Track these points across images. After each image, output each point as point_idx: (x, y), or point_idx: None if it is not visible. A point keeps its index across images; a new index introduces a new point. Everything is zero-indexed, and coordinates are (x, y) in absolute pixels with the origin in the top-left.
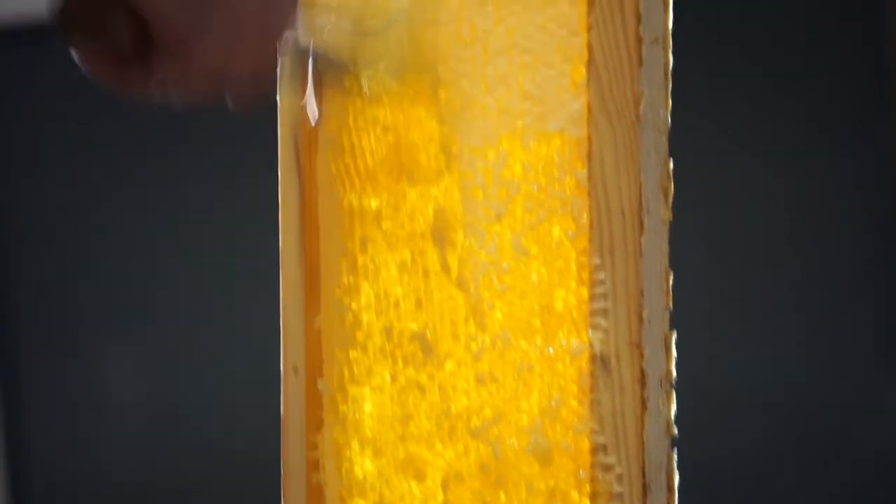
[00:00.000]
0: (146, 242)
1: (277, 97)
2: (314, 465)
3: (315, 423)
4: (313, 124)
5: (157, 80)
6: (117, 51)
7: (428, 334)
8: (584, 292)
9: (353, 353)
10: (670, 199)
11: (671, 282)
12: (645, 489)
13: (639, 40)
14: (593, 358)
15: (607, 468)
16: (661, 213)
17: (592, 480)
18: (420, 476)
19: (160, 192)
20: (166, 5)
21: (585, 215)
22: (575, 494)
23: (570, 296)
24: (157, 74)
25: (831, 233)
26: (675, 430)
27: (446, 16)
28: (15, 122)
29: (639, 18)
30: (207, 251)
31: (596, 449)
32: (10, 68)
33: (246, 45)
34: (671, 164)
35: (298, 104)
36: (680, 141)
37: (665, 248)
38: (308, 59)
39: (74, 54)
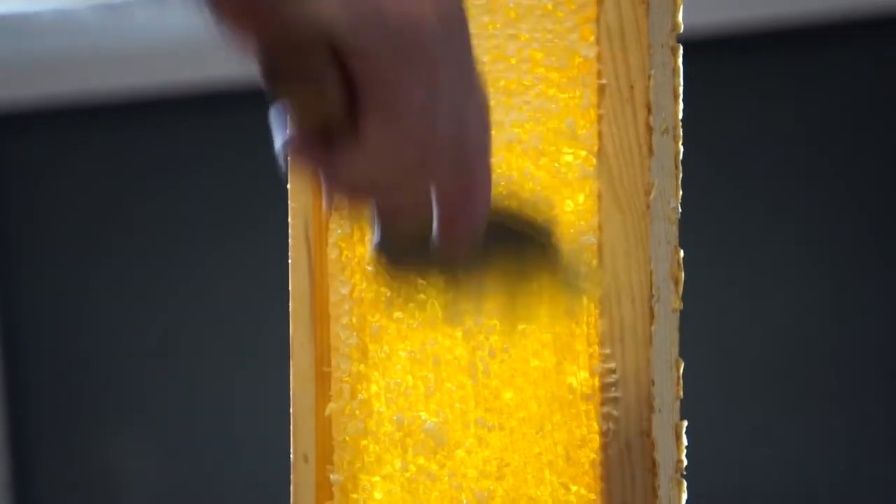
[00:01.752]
0: (156, 322)
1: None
2: None
3: None
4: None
5: (368, 149)
6: (327, 110)
7: (439, 423)
8: (595, 381)
9: (363, 442)
10: (680, 289)
11: (682, 371)
12: None
13: (649, 130)
14: (604, 447)
15: None
16: (671, 303)
17: None
18: None
19: (173, 270)
20: (368, 45)
21: (596, 305)
22: None
23: (581, 384)
24: (370, 140)
25: (849, 332)
26: None
27: None
28: (19, 200)
29: (649, 109)
30: (218, 336)
31: None
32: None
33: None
34: (681, 254)
35: (307, 191)
36: (691, 229)
37: (675, 337)
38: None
39: (277, 127)
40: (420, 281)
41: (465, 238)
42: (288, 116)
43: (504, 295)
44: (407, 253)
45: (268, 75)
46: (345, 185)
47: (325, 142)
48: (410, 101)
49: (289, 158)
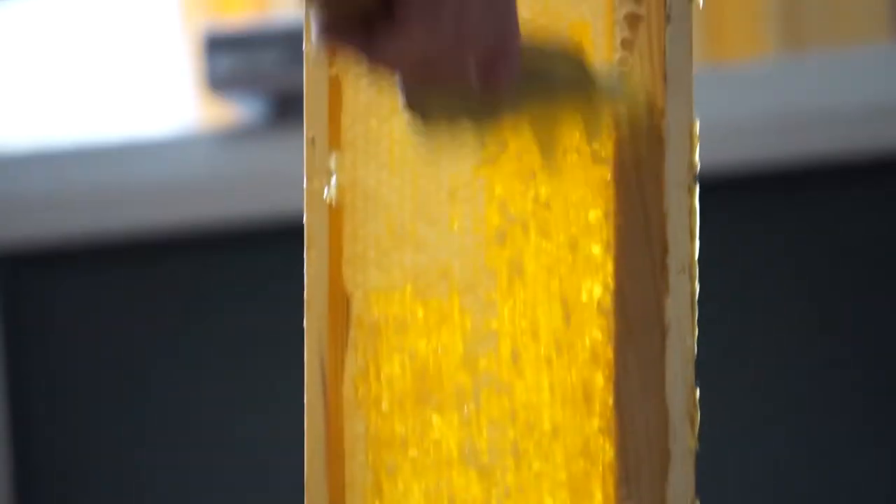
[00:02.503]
0: (170, 461)
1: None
2: None
3: None
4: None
5: (406, 40)
6: (363, 9)
7: None
8: None
9: None
10: (696, 428)
11: None
12: None
13: (666, 269)
14: None
15: None
16: (687, 442)
17: None
18: None
19: (188, 409)
20: None
21: (611, 443)
22: None
23: None
24: (407, 33)
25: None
26: None
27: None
28: (35, 345)
29: (666, 248)
30: (234, 475)
31: None
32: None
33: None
34: (697, 393)
35: (323, 328)
36: (707, 369)
37: (692, 476)
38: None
39: (315, 17)
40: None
41: (502, 86)
42: (324, 7)
43: (542, 124)
44: (441, 108)
45: None
46: (385, 64)
47: (362, 27)
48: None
49: (327, 44)
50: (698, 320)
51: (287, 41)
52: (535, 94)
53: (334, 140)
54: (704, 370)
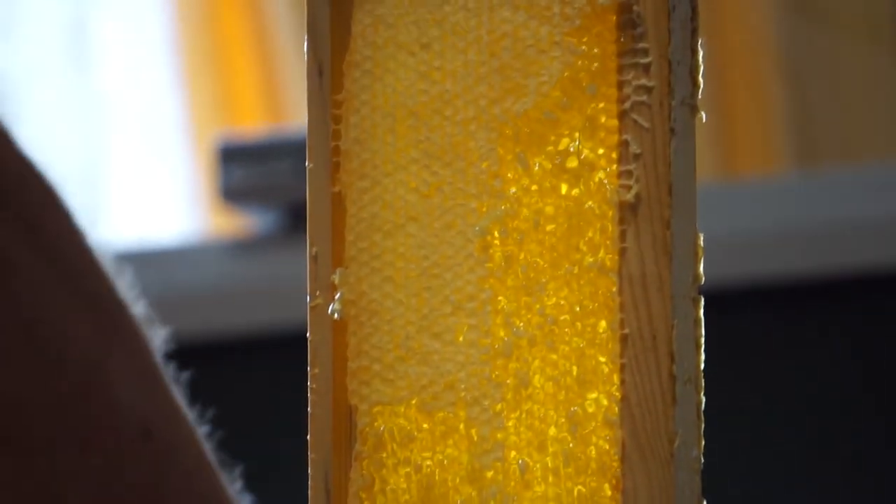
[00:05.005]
0: None
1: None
2: None
3: None
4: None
5: None
6: None
7: None
8: None
9: None
10: None
11: None
12: None
13: (672, 380)
14: None
15: None
16: None
17: None
18: None
19: None
20: None
21: None
22: None
23: None
24: None
25: None
26: None
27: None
28: None
29: (672, 358)
30: None
31: None
32: None
33: None
34: (705, 503)
35: (328, 442)
36: (713, 478)
37: None
38: None
39: None
40: None
41: None
42: None
43: None
44: None
45: None
46: None
47: None
48: None
49: None
50: (704, 431)
51: (301, 152)
52: None
53: (338, 256)
54: (710, 479)
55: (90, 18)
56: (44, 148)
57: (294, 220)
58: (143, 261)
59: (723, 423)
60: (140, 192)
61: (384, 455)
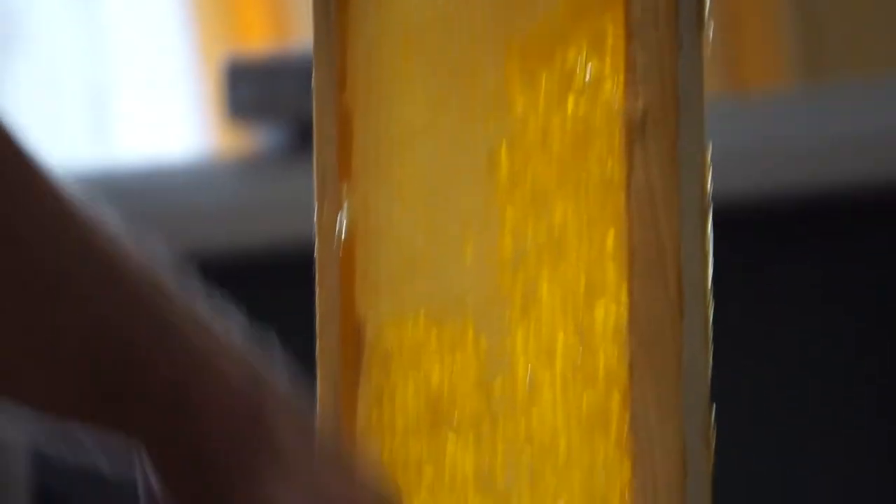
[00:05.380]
0: None
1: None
2: None
3: None
4: None
5: None
6: None
7: None
8: None
9: None
10: (712, 450)
11: None
12: None
13: (680, 293)
14: None
15: None
16: (703, 464)
17: None
18: None
19: None
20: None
21: (628, 464)
22: None
23: None
24: None
25: None
26: None
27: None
28: None
29: (680, 272)
30: None
31: None
32: None
33: None
34: (713, 417)
35: (336, 357)
36: (721, 391)
37: (708, 499)
38: None
39: None
40: None
41: None
42: None
43: None
44: None
45: None
46: None
47: None
48: None
49: None
50: (712, 343)
51: (308, 70)
52: None
53: (344, 170)
54: (719, 392)
55: None
56: (53, 68)
57: (301, 137)
58: (152, 180)
59: (729, 335)
60: (148, 111)
61: (392, 368)
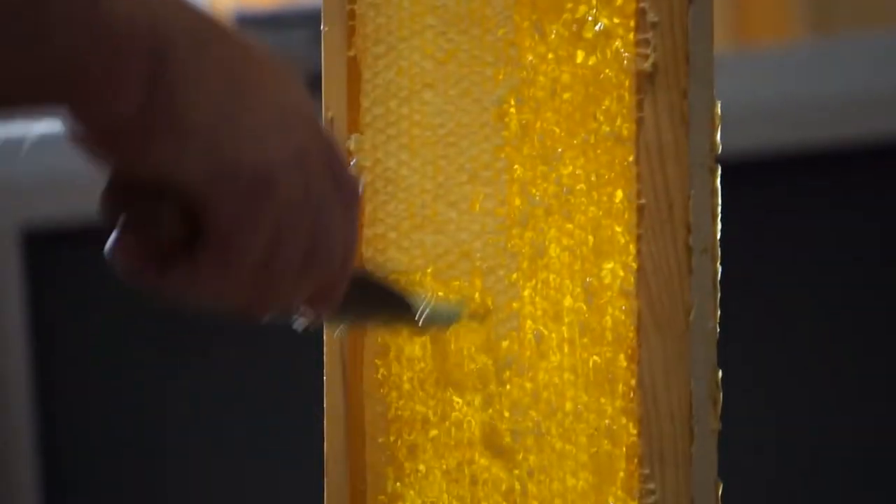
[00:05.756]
0: (183, 435)
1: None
2: None
3: None
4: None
5: (199, 281)
6: (158, 239)
7: None
8: (635, 502)
9: None
10: (719, 409)
11: (720, 492)
12: None
13: (689, 250)
14: None
15: None
16: (710, 423)
17: None
18: None
19: (206, 389)
20: (216, 192)
21: (634, 423)
22: None
23: None
24: (201, 274)
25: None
26: None
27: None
28: (62, 324)
29: (689, 229)
30: (252, 453)
31: None
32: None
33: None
34: (720, 374)
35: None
36: (729, 350)
37: (714, 458)
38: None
39: (110, 247)
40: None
41: (319, 314)
42: (117, 243)
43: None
44: None
45: (108, 201)
46: (175, 293)
47: (156, 256)
48: (247, 251)
49: (117, 256)
50: (721, 301)
51: (317, 21)
52: (353, 315)
53: (353, 122)
54: (726, 351)
55: None
56: None
57: (310, 90)
58: None
59: (739, 293)
60: None
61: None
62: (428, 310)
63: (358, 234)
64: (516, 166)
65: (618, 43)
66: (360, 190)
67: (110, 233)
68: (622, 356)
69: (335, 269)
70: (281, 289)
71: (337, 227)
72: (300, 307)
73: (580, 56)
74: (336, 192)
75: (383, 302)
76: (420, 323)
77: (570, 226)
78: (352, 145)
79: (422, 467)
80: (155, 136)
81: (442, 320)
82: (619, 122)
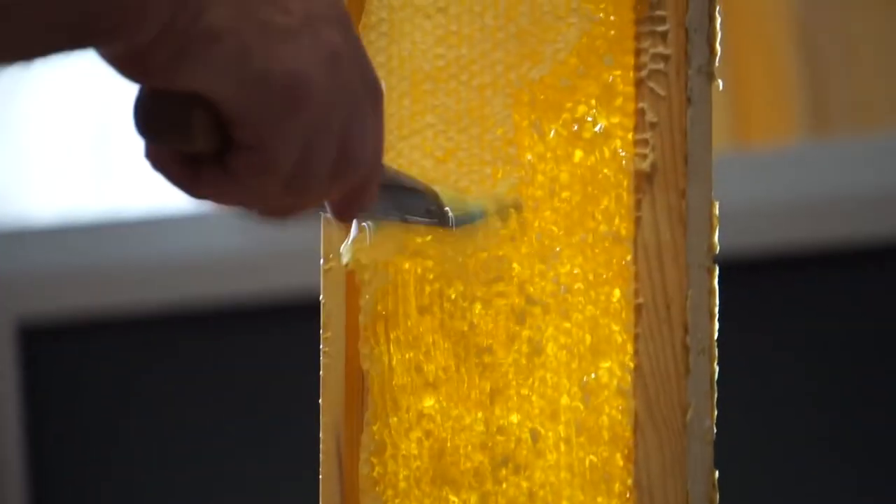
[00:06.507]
0: None
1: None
2: None
3: None
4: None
5: (232, 188)
6: (191, 150)
7: None
8: None
9: None
10: None
11: None
12: None
13: (686, 350)
14: None
15: None
16: None
17: None
18: None
19: (204, 485)
20: (248, 103)
21: None
22: None
23: None
24: (234, 181)
25: None
26: None
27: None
28: (55, 417)
29: (686, 329)
30: None
31: None
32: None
33: (331, 157)
34: (717, 474)
35: (339, 406)
36: (725, 449)
37: None
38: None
39: (144, 152)
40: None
41: (351, 216)
42: (151, 150)
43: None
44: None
45: (142, 116)
46: (208, 199)
47: (190, 163)
48: (280, 160)
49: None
50: (717, 401)
51: None
52: (382, 214)
53: None
54: (723, 450)
55: None
56: (55, 112)
57: None
58: (154, 228)
59: (737, 395)
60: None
61: (396, 420)
62: (456, 208)
63: (383, 134)
64: (514, 264)
65: (617, 142)
66: (384, 89)
67: (145, 143)
68: (619, 455)
69: (367, 170)
70: (313, 192)
71: (368, 128)
72: (332, 207)
73: (579, 155)
74: (366, 94)
75: (412, 201)
76: (450, 221)
77: (567, 324)
78: (350, 242)
79: None
80: (182, 49)
81: (470, 218)
82: (617, 221)
